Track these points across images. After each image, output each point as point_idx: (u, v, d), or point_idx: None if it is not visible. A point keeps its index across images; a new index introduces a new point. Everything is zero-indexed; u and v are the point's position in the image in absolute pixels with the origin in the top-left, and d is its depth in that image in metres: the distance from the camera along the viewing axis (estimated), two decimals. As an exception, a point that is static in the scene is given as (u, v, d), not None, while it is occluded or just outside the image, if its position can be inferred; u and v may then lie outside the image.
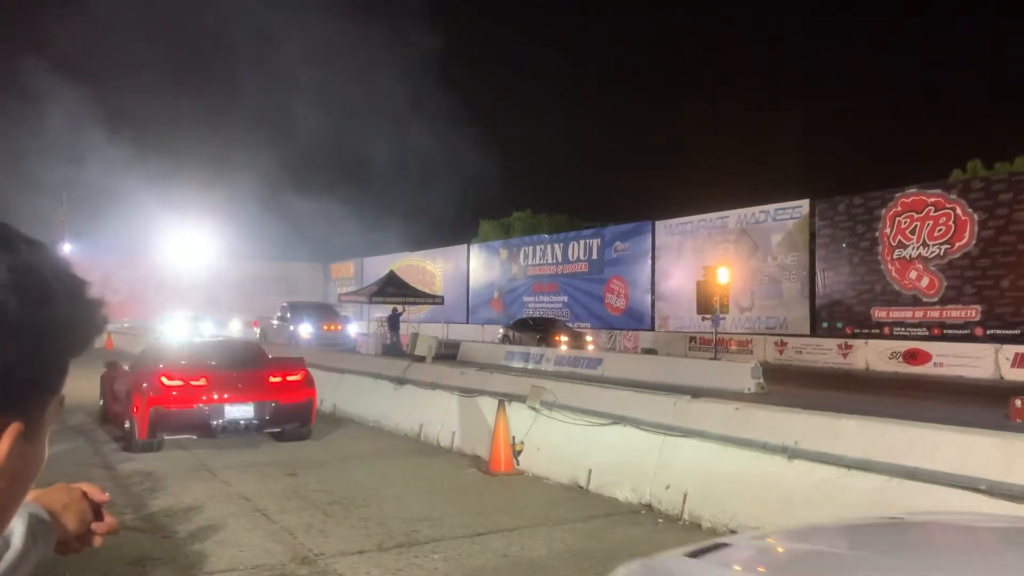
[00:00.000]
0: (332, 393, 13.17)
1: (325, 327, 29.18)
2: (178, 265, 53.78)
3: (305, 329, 28.57)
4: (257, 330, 34.03)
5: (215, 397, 9.31)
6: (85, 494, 1.20)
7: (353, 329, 31.29)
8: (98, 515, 1.20)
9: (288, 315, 30.44)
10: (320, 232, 58.61)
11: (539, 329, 30.26)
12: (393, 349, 26.77)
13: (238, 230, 54.08)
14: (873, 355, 24.72)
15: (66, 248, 46.35)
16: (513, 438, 8.16)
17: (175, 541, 5.74)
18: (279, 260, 59.55)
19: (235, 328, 43.30)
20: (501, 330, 33.41)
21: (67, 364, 0.79)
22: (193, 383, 9.34)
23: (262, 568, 5.13)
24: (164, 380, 9.22)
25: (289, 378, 10.12)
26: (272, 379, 9.94)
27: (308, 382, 10.25)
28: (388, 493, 7.27)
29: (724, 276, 26.07)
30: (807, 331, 28.50)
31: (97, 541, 1.21)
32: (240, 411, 9.44)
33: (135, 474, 8.02)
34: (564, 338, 28.65)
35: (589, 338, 30.09)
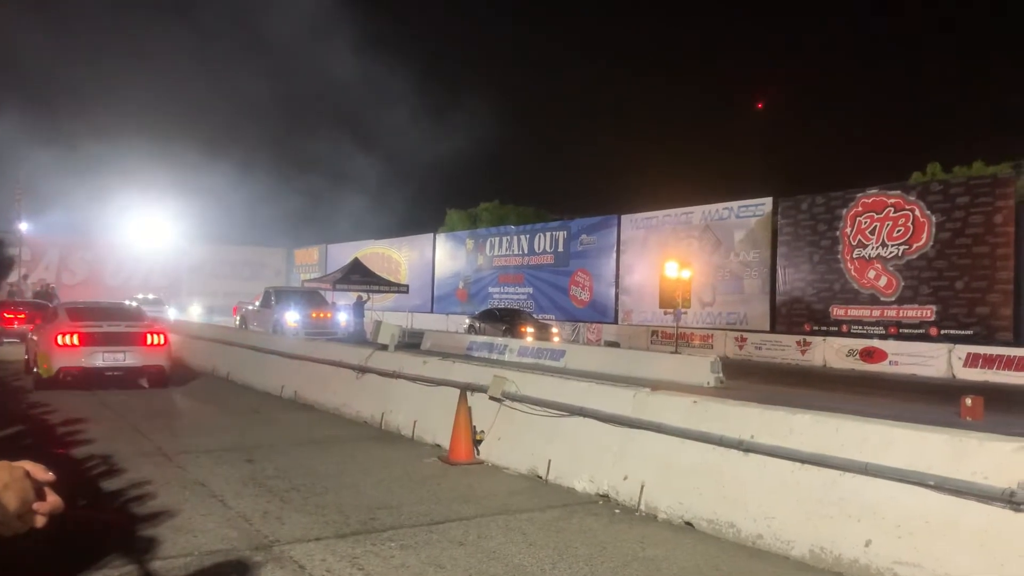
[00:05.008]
0: (294, 379, 13.07)
1: (314, 315, 27.86)
2: (138, 247, 52.86)
3: (292, 317, 27.35)
4: (237, 317, 32.34)
5: (21, 322, 22.85)
6: (28, 473, 1.18)
7: (343, 317, 29.32)
8: (41, 495, 1.18)
9: (273, 301, 28.56)
10: (284, 217, 58.01)
11: (505, 320, 30.25)
12: (357, 337, 26.61)
13: (200, 213, 53.31)
14: (831, 352, 25.16)
15: (22, 227, 45.29)
16: (474, 428, 8.16)
17: (128, 525, 5.66)
18: (242, 244, 58.72)
19: (195, 312, 42.67)
20: (467, 320, 33.31)
21: None
22: (18, 316, 23.95)
23: (217, 554, 5.08)
24: (5, 315, 24.00)
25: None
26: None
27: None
28: (347, 480, 7.24)
29: (687, 272, 26.33)
30: (767, 327, 28.91)
31: (40, 521, 1.18)
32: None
33: (89, 457, 7.89)
34: (530, 329, 28.64)
35: (555, 330, 30.10)
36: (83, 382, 13.14)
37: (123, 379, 13.58)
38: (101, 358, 13.17)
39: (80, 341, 13.08)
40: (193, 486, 6.86)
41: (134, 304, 20.34)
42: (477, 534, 5.65)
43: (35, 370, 13.55)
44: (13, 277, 42.02)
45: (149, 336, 13.77)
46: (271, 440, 9.24)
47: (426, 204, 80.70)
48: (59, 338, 13.05)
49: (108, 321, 14.00)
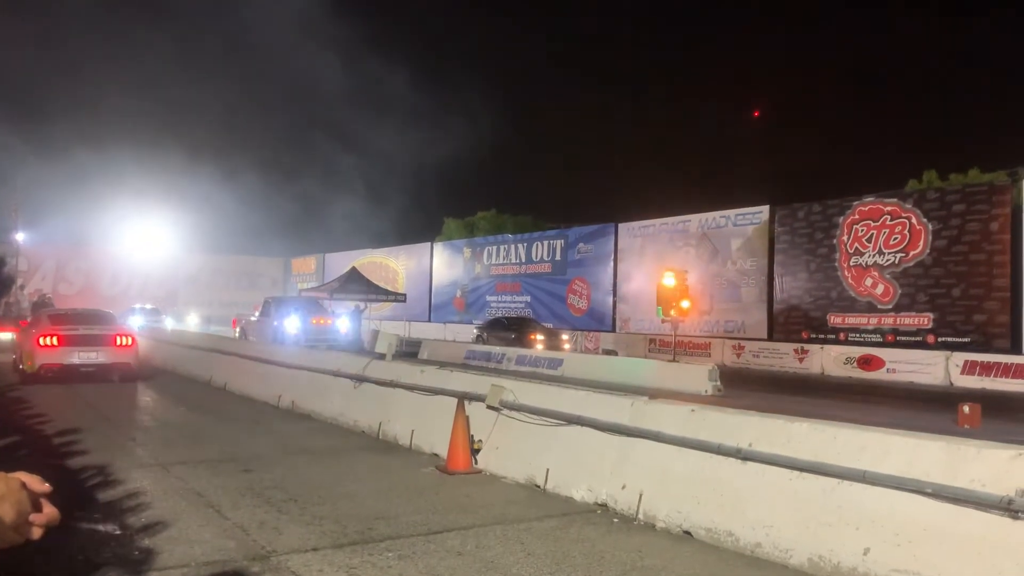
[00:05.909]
0: (291, 389, 13.04)
1: (313, 321, 27.65)
2: (135, 257, 52.79)
3: (292, 324, 27.42)
4: (236, 330, 32.36)
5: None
6: (24, 484, 1.17)
7: (343, 324, 29.15)
8: (37, 506, 1.18)
9: (272, 310, 28.82)
10: (281, 227, 58.02)
11: (513, 328, 29.90)
12: (355, 346, 26.59)
13: (196, 223, 53.29)
14: (828, 360, 25.17)
15: (19, 237, 45.25)
16: (472, 437, 8.15)
17: (124, 536, 5.64)
18: (239, 254, 58.64)
19: (192, 322, 42.60)
20: (475, 330, 33.08)
21: None
22: None
23: (214, 565, 5.06)
24: None
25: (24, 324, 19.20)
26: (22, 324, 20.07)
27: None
28: (344, 490, 7.22)
29: (682, 279, 26.33)
30: (765, 335, 28.92)
31: (36, 532, 1.18)
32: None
33: (85, 467, 7.87)
34: (540, 337, 28.21)
35: (565, 337, 29.63)
36: (62, 377, 15.23)
37: (97, 375, 15.62)
38: (77, 356, 15.34)
39: (59, 342, 15.27)
40: (190, 496, 6.84)
41: (110, 312, 21.66)
42: (475, 544, 5.64)
43: (21, 367, 15.95)
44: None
45: (119, 338, 15.96)
46: (268, 450, 9.22)
47: (423, 213, 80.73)
48: (41, 339, 15.23)
49: (84, 325, 16.17)
